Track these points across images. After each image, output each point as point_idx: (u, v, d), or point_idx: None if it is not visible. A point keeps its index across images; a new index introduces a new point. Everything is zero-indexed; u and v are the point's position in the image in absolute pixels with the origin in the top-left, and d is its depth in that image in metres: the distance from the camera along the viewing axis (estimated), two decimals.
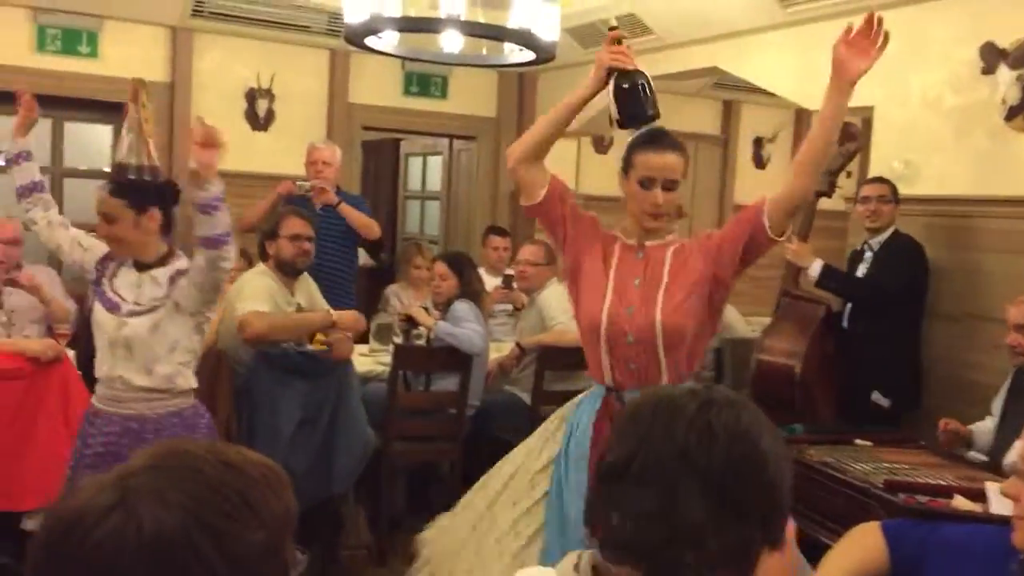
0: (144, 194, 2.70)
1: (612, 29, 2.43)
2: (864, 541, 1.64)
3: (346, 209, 4.93)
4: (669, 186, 2.44)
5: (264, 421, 3.57)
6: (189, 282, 2.69)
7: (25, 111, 2.92)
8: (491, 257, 5.66)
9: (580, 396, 2.71)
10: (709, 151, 7.73)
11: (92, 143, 6.13)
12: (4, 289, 4.22)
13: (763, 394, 3.96)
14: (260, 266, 3.88)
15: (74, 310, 4.25)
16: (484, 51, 4.77)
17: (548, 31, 4.17)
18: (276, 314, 3.67)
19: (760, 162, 7.93)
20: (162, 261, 2.75)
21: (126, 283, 2.76)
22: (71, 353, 3.72)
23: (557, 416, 2.71)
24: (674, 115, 7.50)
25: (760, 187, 7.83)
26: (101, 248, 2.84)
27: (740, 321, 5.48)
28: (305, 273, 3.94)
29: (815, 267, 3.97)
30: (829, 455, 3.08)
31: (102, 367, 2.75)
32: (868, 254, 4.04)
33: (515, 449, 2.81)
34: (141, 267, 2.76)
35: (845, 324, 4.05)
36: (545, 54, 4.33)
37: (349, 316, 3.87)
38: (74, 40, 5.53)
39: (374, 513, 4.06)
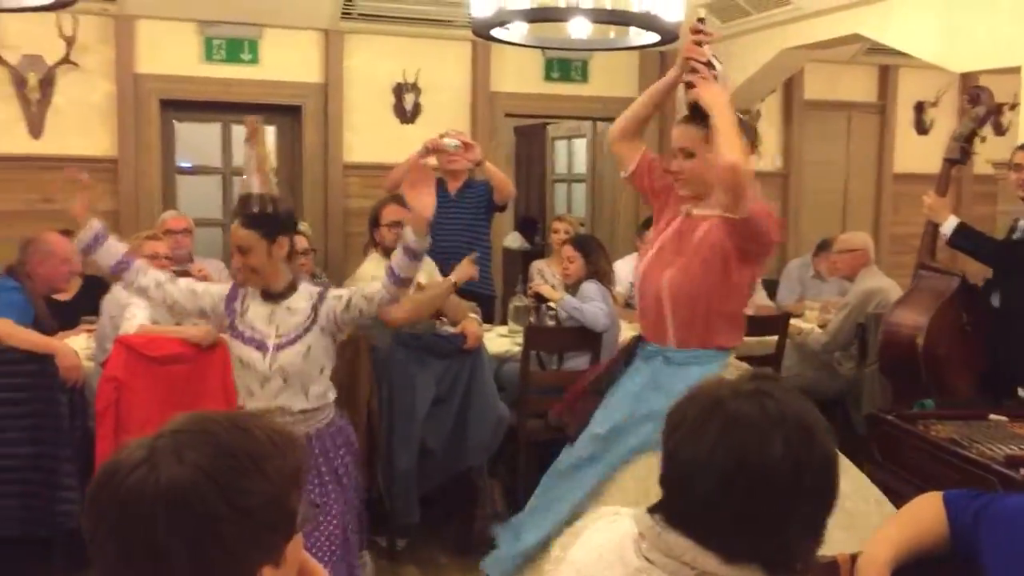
0: (272, 223, 2.81)
1: (700, 20, 2.67)
2: (924, 511, 1.64)
3: (490, 168, 5.13)
4: (683, 154, 2.66)
5: (401, 400, 3.81)
6: (348, 309, 2.81)
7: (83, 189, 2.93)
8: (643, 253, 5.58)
9: None
10: (865, 119, 7.44)
11: None
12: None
13: (888, 367, 3.86)
14: (372, 254, 4.14)
15: None
16: (612, 35, 4.83)
17: (672, 12, 4.19)
18: (414, 296, 3.90)
19: (922, 128, 7.56)
20: (291, 288, 2.85)
21: (260, 316, 2.83)
22: None
23: None
24: (826, 84, 7.29)
25: (923, 154, 7.49)
26: (215, 289, 2.94)
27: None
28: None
29: (949, 224, 3.86)
30: (957, 431, 3.00)
31: (256, 402, 2.81)
32: (1022, 222, 3.85)
33: None
34: (270, 297, 2.84)
35: (996, 303, 3.87)
36: (669, 35, 4.35)
37: (464, 271, 3.99)
38: (237, 49, 5.97)
39: (510, 487, 4.23)
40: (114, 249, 2.88)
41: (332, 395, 2.92)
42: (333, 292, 2.90)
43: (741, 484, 1.13)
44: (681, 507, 1.17)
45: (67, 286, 4.11)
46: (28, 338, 3.50)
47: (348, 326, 2.96)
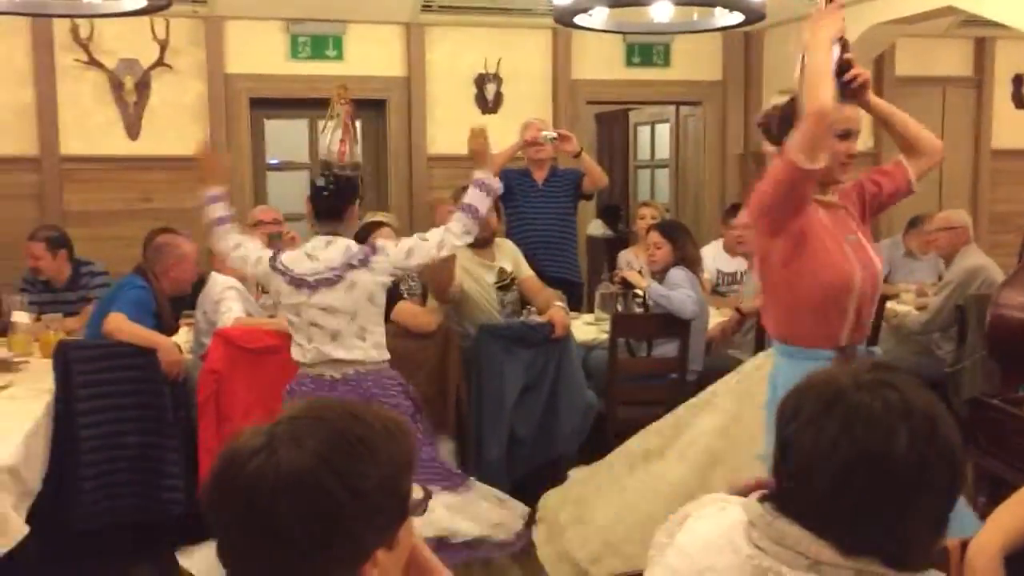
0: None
1: None
2: None
3: (587, 159, 5.18)
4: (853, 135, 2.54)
5: (490, 390, 3.85)
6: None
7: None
8: (729, 239, 5.47)
9: (780, 362, 2.63)
10: (961, 94, 7.19)
11: None
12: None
13: (997, 350, 3.72)
14: None
15: None
16: (695, 16, 4.77)
17: None
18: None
19: (1021, 102, 7.26)
20: None
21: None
22: None
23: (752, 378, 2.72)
24: (919, 59, 7.05)
25: (1022, 129, 7.19)
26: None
27: (1001, 275, 5.10)
28: (504, 239, 4.27)
29: None
30: None
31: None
32: None
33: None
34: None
35: None
36: (754, 15, 4.28)
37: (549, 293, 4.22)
38: (322, 46, 6.08)
39: None
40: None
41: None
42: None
43: (863, 478, 1.11)
44: (797, 498, 1.15)
45: (190, 287, 4.24)
46: (135, 332, 3.63)
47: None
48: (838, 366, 1.24)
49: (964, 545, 1.57)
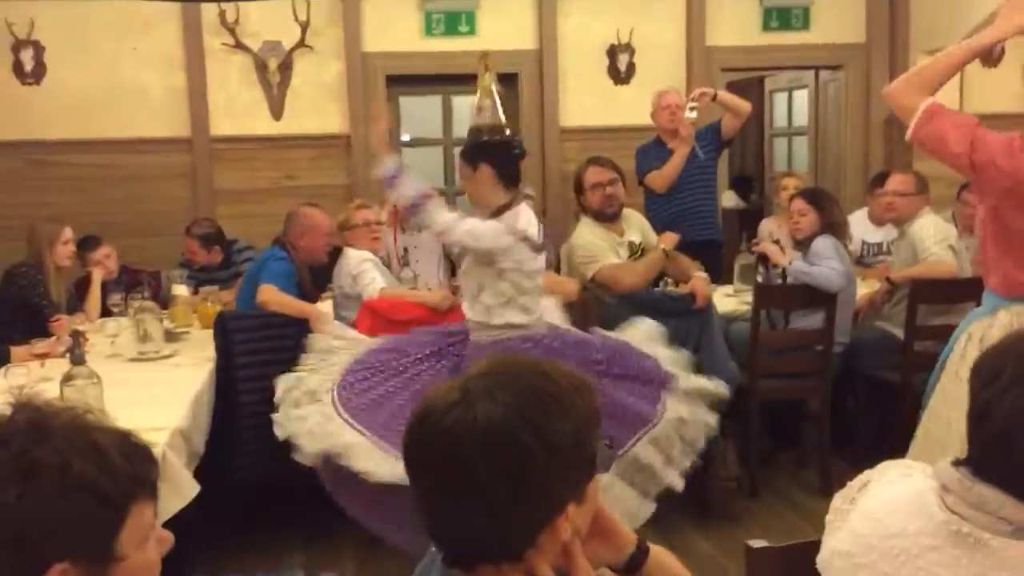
0: (476, 154, 3.16)
1: None
2: None
3: (723, 96, 5.18)
4: None
5: None
6: None
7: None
8: (876, 208, 5.27)
9: None
10: None
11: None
12: (410, 251, 4.90)
13: None
14: (583, 219, 4.19)
15: None
16: None
17: None
18: (634, 264, 4.00)
19: None
20: (497, 213, 3.11)
21: None
22: None
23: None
24: None
25: None
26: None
27: None
28: (631, 211, 4.30)
29: None
30: None
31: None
32: None
33: None
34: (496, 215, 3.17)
35: None
36: None
37: (668, 237, 4.23)
38: (455, 22, 6.13)
39: (744, 448, 4.17)
40: (412, 185, 3.17)
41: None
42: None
43: None
44: (998, 465, 1.11)
45: (325, 258, 4.40)
46: (288, 302, 3.78)
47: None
48: None
49: None
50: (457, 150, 6.44)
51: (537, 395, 1.03)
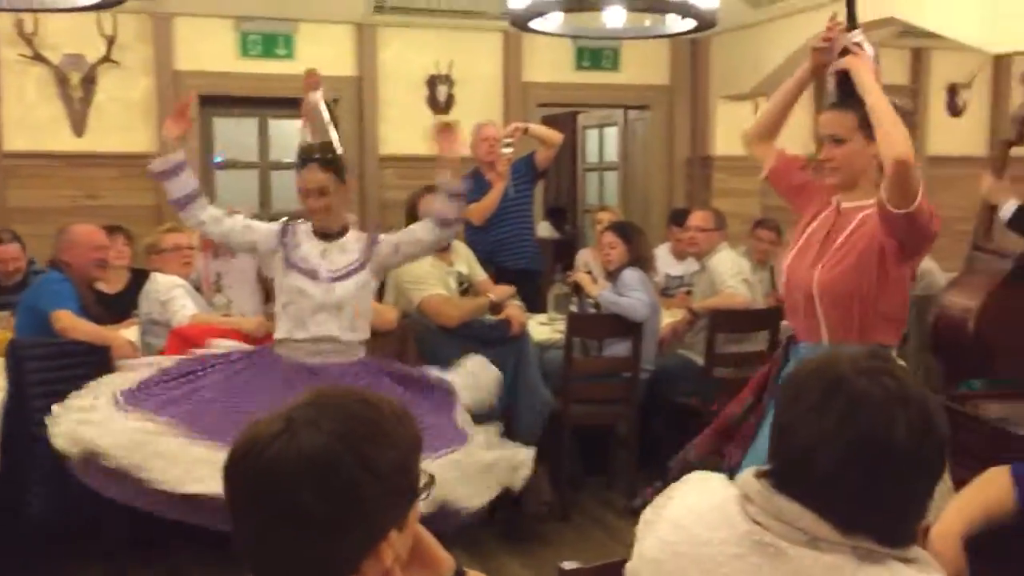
0: (342, 167, 3.18)
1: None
2: (993, 483, 1.68)
3: (535, 129, 5.32)
4: (833, 141, 2.49)
5: None
6: (397, 253, 3.24)
7: (180, 117, 3.18)
8: (678, 243, 5.52)
9: None
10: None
11: (294, 137, 6.66)
12: (223, 276, 4.75)
13: (939, 350, 3.87)
14: None
15: None
16: (647, 23, 4.86)
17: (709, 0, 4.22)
18: (461, 301, 4.07)
19: (955, 110, 7.53)
20: (344, 231, 3.21)
21: (313, 252, 3.17)
22: None
23: None
24: None
25: (956, 137, 7.47)
26: (266, 226, 3.27)
27: (943, 278, 5.28)
28: (459, 243, 4.35)
29: (1009, 206, 3.80)
30: (1008, 411, 3.02)
31: (304, 332, 3.13)
32: None
33: None
34: (324, 236, 3.18)
35: None
36: (705, 22, 4.38)
37: (501, 290, 4.30)
38: (273, 44, 6.04)
39: (555, 472, 4.28)
40: (186, 183, 3.15)
41: (365, 335, 3.22)
42: (384, 237, 3.23)
43: (864, 463, 1.16)
44: (797, 480, 1.20)
45: (102, 275, 4.19)
46: (87, 329, 3.58)
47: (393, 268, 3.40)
48: (835, 351, 1.28)
49: (927, 531, 1.65)
50: (276, 173, 6.42)
51: (361, 423, 1.04)
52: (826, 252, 2.50)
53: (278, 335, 3.19)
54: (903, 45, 7.19)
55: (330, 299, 3.11)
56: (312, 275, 3.13)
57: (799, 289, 2.53)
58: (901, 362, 1.26)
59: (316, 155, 3.15)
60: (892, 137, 2.23)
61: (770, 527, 1.19)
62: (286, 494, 0.99)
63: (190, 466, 2.74)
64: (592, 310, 4.55)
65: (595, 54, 6.68)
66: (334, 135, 3.32)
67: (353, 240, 3.22)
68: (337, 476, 1.00)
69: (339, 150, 3.23)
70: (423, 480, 1.11)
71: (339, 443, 1.01)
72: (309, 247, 3.18)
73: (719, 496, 1.28)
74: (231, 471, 1.04)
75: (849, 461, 1.16)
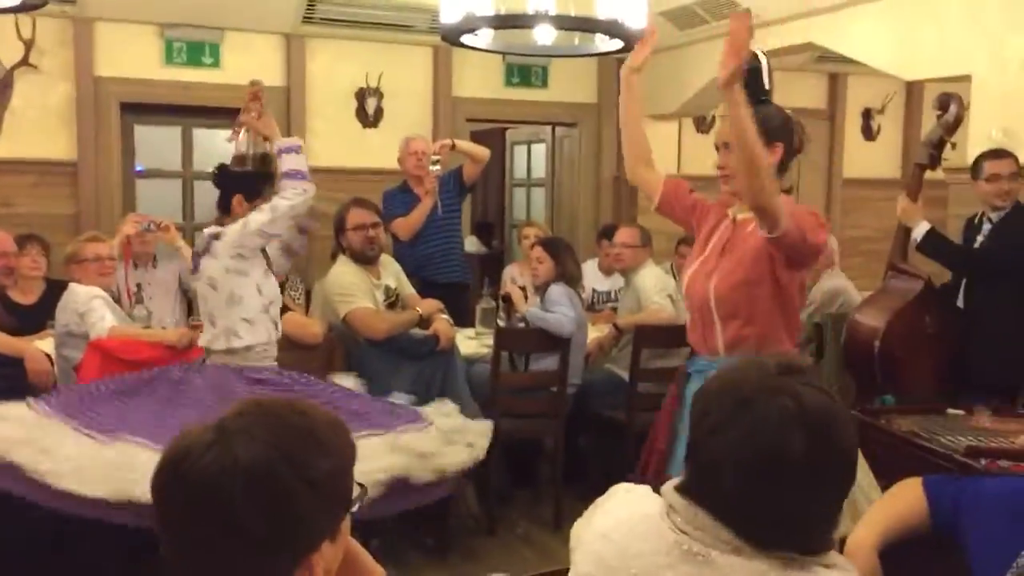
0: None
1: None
2: (905, 496, 1.74)
3: (462, 145, 5.33)
4: (727, 149, 2.57)
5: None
6: (247, 227, 3.16)
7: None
8: (605, 259, 5.65)
9: None
10: (815, 126, 7.62)
11: (218, 147, 6.55)
12: (143, 287, 4.65)
13: (851, 366, 4.00)
14: (341, 258, 4.22)
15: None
16: (576, 41, 4.92)
17: (636, 20, 4.29)
18: (388, 314, 4.05)
19: (870, 134, 7.79)
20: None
21: None
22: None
23: None
24: (777, 91, 7.43)
25: (870, 160, 7.73)
26: None
27: (858, 297, 5.45)
28: (387, 256, 4.34)
29: (920, 229, 3.95)
30: (918, 425, 3.12)
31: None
32: (986, 226, 3.95)
33: None
34: None
35: (960, 302, 4.01)
36: (632, 42, 4.44)
37: (429, 304, 4.28)
38: (198, 52, 5.94)
39: (482, 486, 4.28)
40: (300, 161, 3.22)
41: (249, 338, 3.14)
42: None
43: (764, 480, 1.20)
44: (710, 495, 1.24)
45: (8, 282, 4.08)
46: (1, 340, 3.47)
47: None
48: (745, 366, 1.32)
49: (842, 542, 1.70)
50: (199, 183, 6.31)
51: (296, 432, 1.03)
52: (720, 263, 2.59)
53: (258, 339, 3.15)
54: (821, 70, 7.42)
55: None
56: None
57: (697, 300, 2.61)
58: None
59: (241, 166, 3.25)
60: (750, 184, 2.30)
61: (695, 536, 1.22)
62: (220, 507, 0.98)
63: (77, 461, 2.72)
64: (520, 324, 4.57)
65: (524, 71, 6.74)
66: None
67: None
68: (272, 486, 0.99)
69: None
70: (355, 491, 1.11)
71: (275, 452, 1.00)
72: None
73: (645, 507, 1.31)
74: (160, 481, 1.02)
75: (750, 479, 1.20)
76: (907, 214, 4.00)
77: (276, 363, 3.24)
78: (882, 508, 1.76)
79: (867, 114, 7.74)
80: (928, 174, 4.09)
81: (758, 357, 1.39)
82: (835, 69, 7.39)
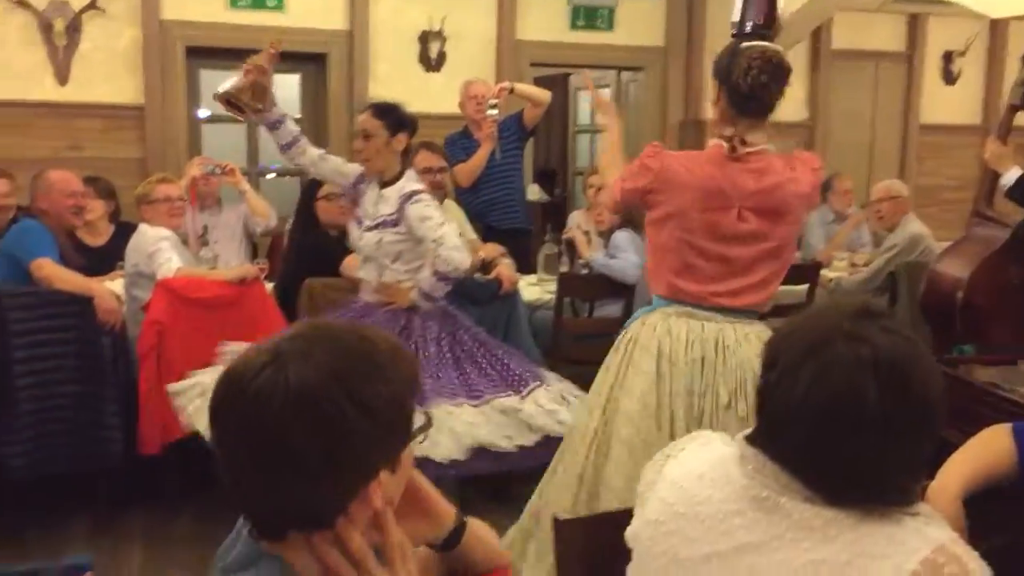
0: (398, 119, 3.20)
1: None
2: (992, 442, 1.66)
3: (521, 88, 5.17)
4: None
5: None
6: (421, 244, 3.18)
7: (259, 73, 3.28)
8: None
9: None
10: (892, 69, 7.37)
11: (283, 91, 6.55)
12: (210, 230, 4.69)
13: (929, 316, 3.86)
14: None
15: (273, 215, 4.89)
16: None
17: None
18: None
19: (950, 78, 7.48)
20: (396, 179, 3.22)
21: (370, 199, 3.26)
22: (269, 286, 4.09)
23: None
24: (854, 33, 7.20)
25: (950, 105, 7.44)
26: (349, 168, 3.35)
27: (937, 246, 5.26)
28: (450, 202, 4.32)
29: (1011, 175, 3.75)
30: (998, 376, 3.02)
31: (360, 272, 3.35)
32: None
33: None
34: (383, 184, 3.24)
35: None
36: None
37: (491, 248, 4.31)
38: None
39: None
40: (290, 130, 3.32)
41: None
42: (421, 209, 3.13)
43: (834, 430, 1.14)
44: (779, 445, 1.19)
45: (78, 222, 4.13)
46: (70, 278, 3.53)
47: None
48: (822, 310, 1.26)
49: (923, 490, 1.63)
50: (264, 130, 6.31)
51: (354, 357, 0.99)
52: None
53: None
54: (900, 11, 7.12)
55: (363, 248, 3.25)
56: (358, 221, 3.28)
57: None
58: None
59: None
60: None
61: (767, 484, 1.18)
62: (272, 428, 0.94)
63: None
64: (583, 271, 4.51)
65: (590, 13, 6.59)
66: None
67: (396, 192, 3.19)
68: (325, 410, 0.95)
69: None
70: (419, 421, 1.07)
71: (329, 377, 0.96)
72: (370, 193, 3.27)
73: (718, 454, 1.27)
74: (217, 402, 0.99)
75: (819, 430, 1.15)
76: (997, 158, 3.80)
77: None
78: (967, 455, 1.67)
79: (947, 57, 7.42)
80: (1019, 117, 3.88)
81: (837, 301, 1.33)
82: (915, 9, 7.10)
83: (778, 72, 2.43)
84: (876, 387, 1.13)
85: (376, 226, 3.19)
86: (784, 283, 3.60)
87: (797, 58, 6.93)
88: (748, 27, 2.51)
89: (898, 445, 1.16)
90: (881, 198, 4.97)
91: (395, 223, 3.15)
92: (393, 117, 3.21)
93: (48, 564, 1.45)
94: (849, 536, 1.14)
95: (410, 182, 3.21)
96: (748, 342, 2.50)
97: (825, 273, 4.90)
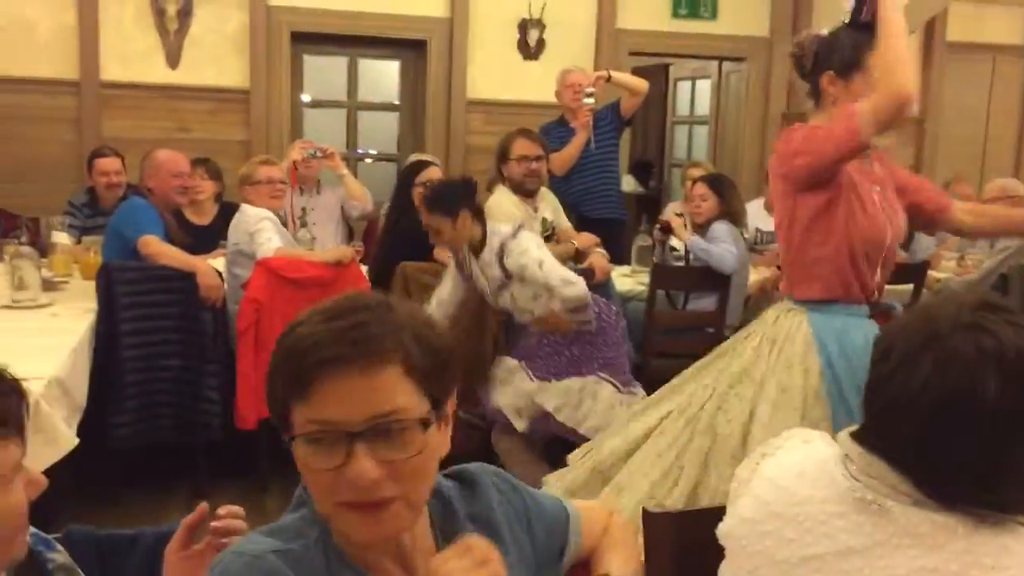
0: (448, 203, 3.30)
1: None
2: None
3: (618, 77, 5.17)
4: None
5: None
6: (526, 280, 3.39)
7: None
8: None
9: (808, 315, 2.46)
10: (1010, 63, 7.04)
11: (382, 78, 6.65)
12: (308, 212, 4.78)
13: None
14: (499, 188, 4.18)
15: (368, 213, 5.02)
16: None
17: None
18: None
19: None
20: (482, 244, 3.37)
21: (477, 272, 3.45)
22: (364, 269, 4.14)
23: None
24: (970, 25, 6.90)
25: None
26: (450, 272, 3.59)
27: None
28: (546, 189, 4.27)
29: None
30: None
31: None
32: None
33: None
34: (475, 253, 3.40)
35: None
36: None
37: (585, 237, 4.32)
38: None
39: None
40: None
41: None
42: (516, 260, 3.27)
43: (950, 426, 1.08)
44: (888, 442, 1.13)
45: (184, 201, 4.25)
46: (174, 255, 3.63)
47: None
48: (941, 301, 1.19)
49: None
50: (363, 113, 6.42)
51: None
52: (893, 200, 2.43)
53: None
54: (1018, 2, 6.81)
55: (508, 308, 3.42)
56: (484, 294, 3.47)
57: (896, 241, 2.47)
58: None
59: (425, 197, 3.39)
60: (904, 70, 2.16)
61: (872, 486, 1.12)
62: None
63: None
64: (677, 263, 4.45)
65: (692, 2, 6.47)
66: None
67: (490, 254, 3.33)
68: None
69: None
70: None
71: None
72: (473, 267, 3.42)
73: (820, 454, 1.22)
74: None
75: (934, 426, 1.08)
76: None
77: None
78: None
79: None
80: None
81: (956, 292, 1.25)
82: None
83: None
84: (998, 381, 1.07)
85: (499, 289, 3.36)
86: (889, 283, 3.46)
87: (909, 51, 6.69)
88: (865, 15, 2.38)
89: (1017, 446, 1.09)
90: (996, 197, 4.76)
91: (508, 278, 3.30)
92: (444, 204, 3.28)
93: (149, 529, 1.49)
94: (960, 544, 1.08)
95: (493, 236, 3.33)
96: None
97: (933, 274, 4.72)
